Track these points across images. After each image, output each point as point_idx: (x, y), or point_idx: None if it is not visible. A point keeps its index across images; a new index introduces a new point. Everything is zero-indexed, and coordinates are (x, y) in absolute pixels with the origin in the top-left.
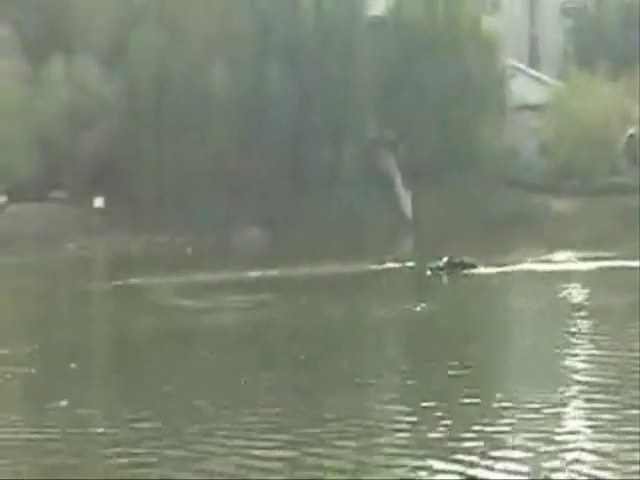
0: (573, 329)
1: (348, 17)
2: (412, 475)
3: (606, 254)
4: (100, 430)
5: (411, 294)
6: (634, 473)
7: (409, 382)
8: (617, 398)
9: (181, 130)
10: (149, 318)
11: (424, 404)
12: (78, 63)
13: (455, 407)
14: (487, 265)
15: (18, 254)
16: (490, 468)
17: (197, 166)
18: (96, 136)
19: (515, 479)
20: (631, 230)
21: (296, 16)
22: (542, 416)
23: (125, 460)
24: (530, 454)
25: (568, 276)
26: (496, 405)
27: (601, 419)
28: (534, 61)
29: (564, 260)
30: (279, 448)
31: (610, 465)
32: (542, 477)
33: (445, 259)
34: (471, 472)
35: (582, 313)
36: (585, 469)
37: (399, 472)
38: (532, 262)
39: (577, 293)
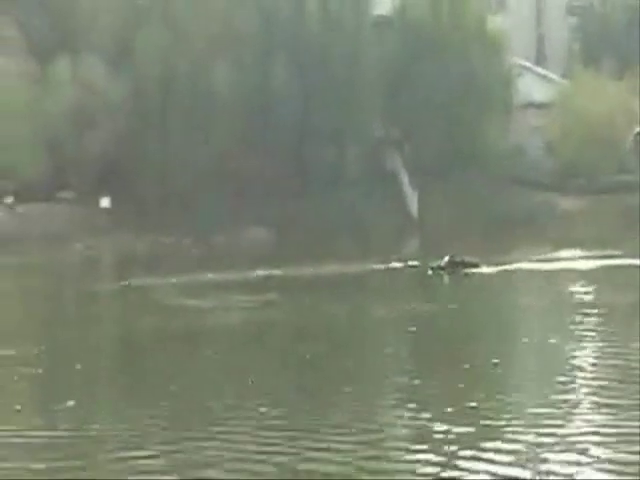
0: (576, 327)
1: (353, 17)
2: (418, 475)
3: (612, 252)
4: (106, 431)
5: (412, 294)
6: (636, 474)
7: (415, 382)
8: (621, 397)
9: (186, 130)
10: (155, 318)
11: (430, 404)
12: (84, 63)
13: (461, 406)
14: (489, 264)
15: (25, 254)
16: (493, 467)
17: (202, 166)
18: (102, 136)
19: (518, 478)
20: (638, 228)
21: (300, 16)
22: (546, 416)
23: (131, 461)
24: (532, 453)
25: (573, 274)
26: (500, 404)
27: (605, 419)
28: (540, 59)
29: (568, 258)
30: (281, 448)
31: (612, 467)
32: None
33: (446, 258)
34: (475, 471)
35: (586, 311)
36: (587, 469)
37: (405, 473)
38: (536, 261)
39: (581, 291)
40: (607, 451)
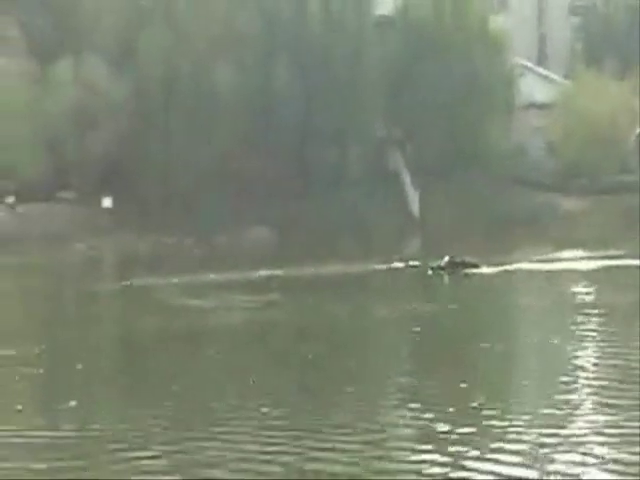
0: (577, 327)
1: (355, 17)
2: (424, 476)
3: (614, 253)
4: (108, 431)
5: (413, 294)
6: (637, 475)
7: (417, 382)
8: (623, 398)
9: (188, 130)
10: (156, 318)
11: (433, 404)
12: (86, 63)
13: (464, 407)
14: (490, 264)
15: (26, 254)
16: (498, 468)
17: (204, 166)
18: (104, 136)
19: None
20: (639, 228)
21: (302, 16)
22: (549, 416)
23: (133, 461)
24: (536, 453)
25: (574, 275)
26: (503, 404)
27: (607, 419)
28: (542, 59)
29: (570, 259)
30: (285, 448)
31: (616, 467)
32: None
33: (446, 258)
34: (481, 471)
35: (586, 312)
36: (592, 469)
37: (411, 473)
38: (537, 261)
39: (582, 292)
40: (611, 451)
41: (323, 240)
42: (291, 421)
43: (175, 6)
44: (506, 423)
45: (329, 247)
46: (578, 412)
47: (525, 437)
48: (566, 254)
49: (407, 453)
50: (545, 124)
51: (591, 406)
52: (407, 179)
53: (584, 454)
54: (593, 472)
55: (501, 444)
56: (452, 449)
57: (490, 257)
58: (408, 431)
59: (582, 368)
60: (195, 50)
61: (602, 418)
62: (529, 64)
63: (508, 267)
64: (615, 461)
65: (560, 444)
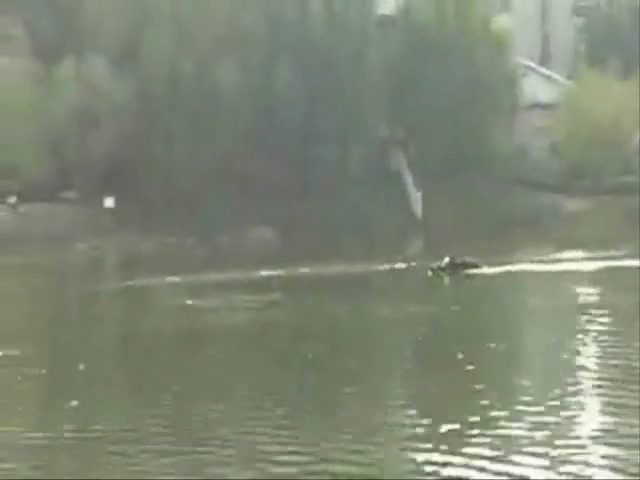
0: (577, 328)
1: (357, 18)
2: (423, 474)
3: (615, 253)
4: (109, 431)
5: (414, 295)
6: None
7: (419, 382)
8: (628, 397)
9: (191, 131)
10: (158, 318)
11: (435, 404)
12: (89, 64)
13: (467, 407)
14: (490, 265)
15: (28, 254)
16: (500, 466)
17: (206, 166)
18: (106, 136)
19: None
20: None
21: (305, 17)
22: (547, 416)
23: (133, 461)
24: (540, 452)
25: (575, 276)
26: (506, 404)
27: (610, 418)
28: (545, 60)
29: (571, 259)
30: (287, 448)
31: (618, 465)
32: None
33: (447, 259)
34: (481, 470)
35: (586, 312)
36: (593, 469)
37: (410, 470)
38: (538, 262)
39: (582, 292)
40: (620, 452)
41: (325, 240)
42: (294, 421)
43: (178, 7)
44: (512, 424)
45: (331, 247)
46: (583, 412)
47: (532, 438)
48: (568, 255)
49: (407, 450)
50: (548, 125)
51: (597, 406)
52: (409, 180)
53: (593, 455)
54: (595, 471)
55: (503, 442)
56: (458, 449)
57: (492, 258)
58: (410, 431)
59: (586, 368)
60: (198, 50)
61: (610, 419)
62: (532, 64)
63: (509, 267)
64: (619, 460)
65: (568, 445)
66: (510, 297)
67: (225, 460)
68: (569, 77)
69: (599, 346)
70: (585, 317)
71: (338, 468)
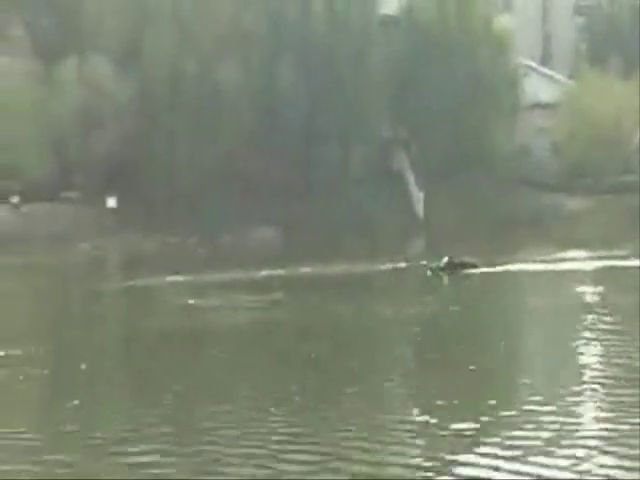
0: (576, 328)
1: (359, 17)
2: (426, 474)
3: (616, 253)
4: (111, 430)
5: (414, 295)
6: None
7: (420, 383)
8: (630, 396)
9: (193, 130)
10: (161, 318)
11: (437, 404)
12: (91, 63)
13: (469, 407)
14: (490, 265)
15: (30, 254)
16: (503, 467)
17: (209, 166)
18: (109, 136)
19: (529, 478)
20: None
21: (307, 16)
22: (554, 415)
23: (134, 460)
24: (543, 452)
25: (575, 275)
26: (509, 404)
27: (618, 417)
28: (546, 59)
29: (572, 259)
30: (289, 447)
31: (624, 464)
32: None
33: (445, 259)
34: (483, 471)
35: (587, 312)
36: (596, 468)
37: (412, 472)
38: (537, 262)
39: (582, 291)
40: (618, 450)
41: (327, 240)
42: (295, 421)
43: (180, 6)
44: (513, 421)
45: (333, 247)
46: (590, 411)
47: (538, 437)
48: (569, 254)
49: (410, 450)
50: (549, 124)
51: (604, 405)
52: (411, 179)
53: (591, 452)
54: (600, 470)
55: (506, 442)
56: (458, 447)
57: (494, 257)
58: (412, 431)
59: (589, 367)
60: (200, 50)
61: (618, 418)
62: (533, 64)
63: (509, 267)
64: (624, 459)
65: (576, 445)
66: (510, 297)
67: (226, 460)
68: (570, 77)
69: (602, 345)
70: (587, 317)
71: (342, 466)
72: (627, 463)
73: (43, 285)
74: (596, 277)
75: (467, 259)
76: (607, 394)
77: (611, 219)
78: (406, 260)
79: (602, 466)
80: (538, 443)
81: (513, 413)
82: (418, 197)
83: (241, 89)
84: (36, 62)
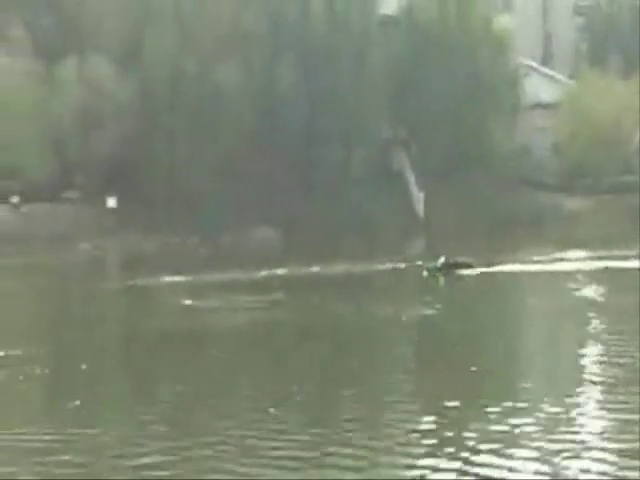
0: (576, 328)
1: (359, 18)
2: (427, 475)
3: (617, 253)
4: (111, 431)
5: (412, 295)
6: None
7: (420, 383)
8: (631, 394)
9: (193, 130)
10: (161, 318)
11: (437, 405)
12: (91, 63)
13: (468, 407)
14: (487, 265)
15: (31, 254)
16: (505, 468)
17: (209, 166)
18: (109, 136)
19: (531, 479)
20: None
21: (307, 17)
22: (557, 415)
23: (135, 461)
24: (545, 453)
25: (574, 275)
26: (510, 404)
27: (615, 418)
28: (547, 59)
29: (570, 259)
30: (291, 448)
31: (625, 463)
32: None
33: (442, 259)
34: (486, 472)
35: (585, 312)
36: (598, 467)
37: (413, 472)
38: (537, 262)
39: (580, 291)
40: (622, 449)
41: (328, 240)
42: (296, 421)
43: (180, 6)
44: (515, 421)
45: (334, 247)
46: (591, 411)
47: (536, 439)
48: (569, 254)
49: (411, 450)
50: (550, 124)
51: (606, 405)
52: (411, 179)
53: (594, 453)
54: (602, 470)
55: (507, 442)
56: (459, 447)
57: (493, 257)
58: (411, 431)
59: (589, 367)
60: (200, 50)
61: (622, 417)
62: (534, 64)
63: (506, 267)
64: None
65: (569, 443)
66: (507, 297)
67: (227, 460)
68: (570, 76)
69: (601, 345)
70: (586, 317)
71: (343, 466)
72: (628, 462)
73: (43, 285)
74: (596, 277)
75: (463, 259)
76: (607, 394)
77: (611, 219)
78: (404, 260)
79: (603, 465)
80: (539, 442)
81: (514, 413)
82: (418, 197)
83: (241, 89)
84: (36, 62)
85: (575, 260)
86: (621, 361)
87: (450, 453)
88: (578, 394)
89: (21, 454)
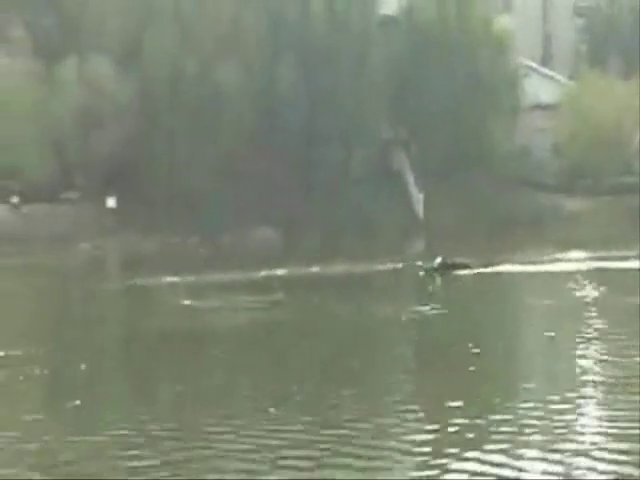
0: (575, 327)
1: (359, 18)
2: (428, 474)
3: (616, 254)
4: (111, 431)
5: (411, 296)
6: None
7: (420, 383)
8: (631, 394)
9: (193, 131)
10: (160, 318)
11: (437, 405)
12: (91, 64)
13: (470, 407)
14: (483, 265)
15: (31, 254)
16: (506, 467)
17: (209, 166)
18: (109, 137)
19: (532, 479)
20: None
21: (307, 17)
22: (558, 416)
23: (136, 461)
24: (546, 450)
25: (573, 276)
26: (510, 404)
27: (615, 417)
28: (547, 60)
29: (570, 259)
30: (291, 448)
31: (631, 462)
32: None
33: (439, 259)
34: (487, 471)
35: (583, 312)
36: (599, 466)
37: (414, 471)
38: (533, 262)
39: (578, 292)
40: (623, 449)
41: (328, 240)
42: (297, 421)
43: (180, 6)
44: (515, 421)
45: (334, 247)
46: (592, 411)
47: (540, 436)
48: (568, 255)
49: (412, 450)
50: (550, 125)
51: (607, 405)
52: (411, 180)
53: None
54: (604, 469)
55: (508, 442)
56: (459, 447)
57: (492, 258)
58: (415, 431)
59: (589, 367)
60: (201, 51)
61: (615, 414)
62: (533, 65)
63: (504, 268)
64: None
65: (569, 442)
66: (506, 297)
67: (227, 460)
68: (570, 77)
69: (601, 345)
70: (585, 317)
71: (343, 466)
72: (630, 461)
73: (43, 285)
74: (595, 278)
75: (460, 260)
76: (608, 394)
77: (611, 220)
78: (404, 260)
79: (604, 464)
80: (540, 442)
81: (514, 413)
82: (418, 197)
83: (241, 89)
84: (36, 62)
85: (575, 261)
86: (621, 361)
87: (454, 454)
88: (579, 394)
89: (21, 455)
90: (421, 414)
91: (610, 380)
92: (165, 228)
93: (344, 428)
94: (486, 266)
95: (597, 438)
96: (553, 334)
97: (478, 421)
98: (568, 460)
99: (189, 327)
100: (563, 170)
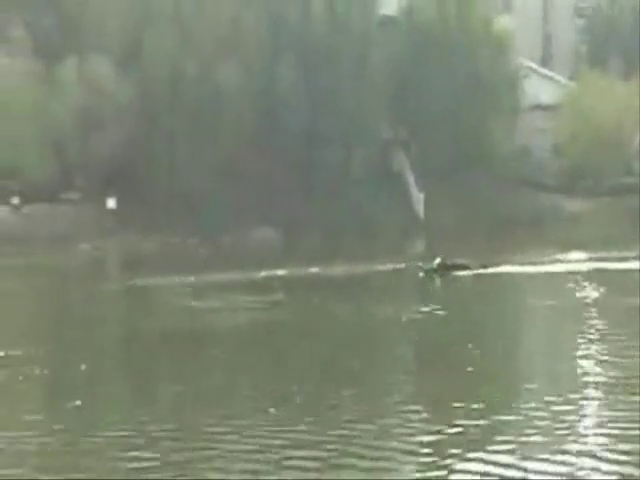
0: (574, 328)
1: (359, 18)
2: (434, 475)
3: (617, 255)
4: (111, 431)
5: (410, 296)
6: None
7: (420, 383)
8: (631, 394)
9: (193, 131)
10: (161, 318)
11: (437, 406)
12: (91, 64)
13: (470, 407)
14: (482, 266)
15: (31, 255)
16: (510, 467)
17: (209, 167)
18: (109, 137)
19: (537, 479)
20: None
21: (307, 17)
22: (560, 416)
23: (136, 462)
24: (547, 451)
25: (572, 276)
26: (509, 405)
27: (615, 417)
28: (547, 60)
29: (570, 260)
30: (291, 448)
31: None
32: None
33: (438, 260)
34: (491, 471)
35: (582, 312)
36: (600, 466)
37: (420, 472)
38: (532, 263)
39: (579, 293)
40: (624, 449)
41: (328, 241)
42: (297, 421)
43: (180, 7)
44: (515, 421)
45: (334, 248)
46: (591, 412)
47: (541, 436)
48: (568, 255)
49: (413, 450)
50: (550, 126)
51: (608, 406)
52: (411, 180)
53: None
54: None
55: (508, 442)
56: (460, 447)
57: (492, 258)
58: (412, 431)
59: (588, 367)
60: (200, 51)
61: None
62: (533, 65)
63: (503, 269)
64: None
65: (578, 443)
66: (506, 298)
67: (226, 460)
68: (570, 78)
69: (601, 345)
70: (585, 317)
71: (343, 466)
72: (631, 461)
73: (43, 285)
74: (595, 278)
75: (459, 260)
76: (609, 394)
77: (611, 221)
78: (404, 261)
79: (607, 464)
80: (544, 443)
81: (515, 413)
82: (418, 197)
83: (242, 90)
84: (36, 62)
85: (575, 261)
86: (621, 362)
87: (458, 454)
88: (580, 395)
89: (21, 455)
90: (423, 415)
91: (611, 381)
92: (165, 228)
93: (346, 429)
94: (485, 267)
95: (600, 439)
96: (553, 334)
97: (481, 422)
98: (571, 460)
99: (189, 327)
100: (563, 171)
